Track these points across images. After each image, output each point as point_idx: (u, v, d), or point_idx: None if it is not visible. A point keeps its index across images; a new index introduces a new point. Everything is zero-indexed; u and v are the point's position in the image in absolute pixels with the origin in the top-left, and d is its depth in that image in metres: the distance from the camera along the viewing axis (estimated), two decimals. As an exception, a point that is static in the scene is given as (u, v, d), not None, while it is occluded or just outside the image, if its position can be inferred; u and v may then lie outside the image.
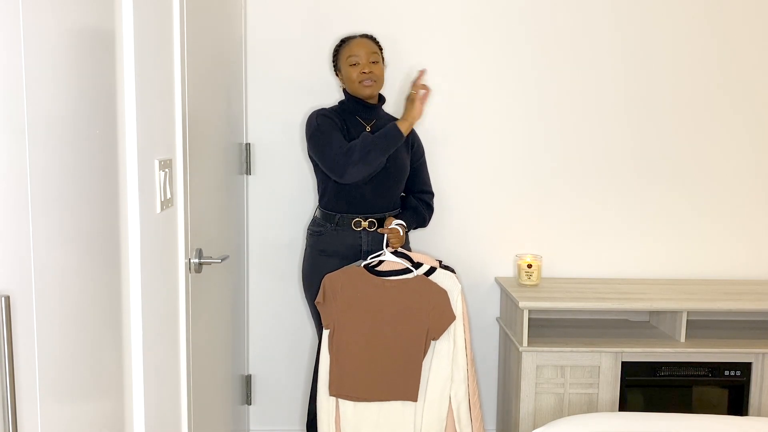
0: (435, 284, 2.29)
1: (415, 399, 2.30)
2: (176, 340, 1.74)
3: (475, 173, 2.79)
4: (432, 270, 2.32)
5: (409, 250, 2.48)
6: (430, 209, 2.54)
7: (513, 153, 2.79)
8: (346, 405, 2.33)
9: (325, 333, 2.31)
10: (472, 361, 2.36)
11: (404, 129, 2.27)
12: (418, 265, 2.33)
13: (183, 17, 1.72)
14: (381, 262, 2.33)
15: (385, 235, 2.36)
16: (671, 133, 2.79)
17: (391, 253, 2.33)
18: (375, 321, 2.29)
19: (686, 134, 2.80)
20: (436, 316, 2.28)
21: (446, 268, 2.38)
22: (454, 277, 2.33)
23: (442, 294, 2.28)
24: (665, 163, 2.81)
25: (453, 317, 2.28)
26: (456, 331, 2.31)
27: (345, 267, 2.32)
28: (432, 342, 2.31)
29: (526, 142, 2.78)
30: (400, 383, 2.30)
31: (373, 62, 2.36)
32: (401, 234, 2.36)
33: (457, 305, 2.30)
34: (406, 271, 2.31)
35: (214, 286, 2.16)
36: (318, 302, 2.30)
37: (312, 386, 2.52)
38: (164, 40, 1.61)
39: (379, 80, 2.38)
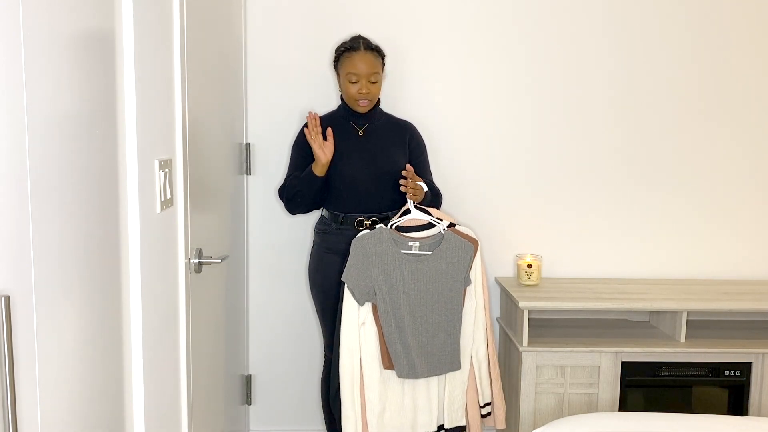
0: (466, 235, 2.32)
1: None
2: (176, 340, 1.74)
3: (475, 173, 2.79)
4: (452, 225, 2.34)
5: None
6: (439, 197, 2.54)
7: (513, 153, 2.78)
8: (372, 370, 2.30)
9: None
10: (490, 321, 2.40)
11: (318, 172, 2.34)
12: (438, 221, 2.34)
13: (183, 17, 1.72)
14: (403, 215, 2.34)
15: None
16: (671, 133, 2.79)
17: (415, 207, 2.33)
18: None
19: (686, 134, 2.80)
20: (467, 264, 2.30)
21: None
22: (472, 233, 2.35)
23: (474, 243, 2.32)
24: (665, 163, 2.80)
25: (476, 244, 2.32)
26: (476, 289, 2.34)
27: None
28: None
29: (526, 143, 2.78)
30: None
31: (372, 82, 2.37)
32: (423, 190, 2.34)
33: (476, 262, 2.32)
34: (429, 226, 2.32)
35: (214, 286, 2.16)
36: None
37: (333, 360, 2.43)
38: (164, 40, 1.61)
39: (374, 99, 2.41)
